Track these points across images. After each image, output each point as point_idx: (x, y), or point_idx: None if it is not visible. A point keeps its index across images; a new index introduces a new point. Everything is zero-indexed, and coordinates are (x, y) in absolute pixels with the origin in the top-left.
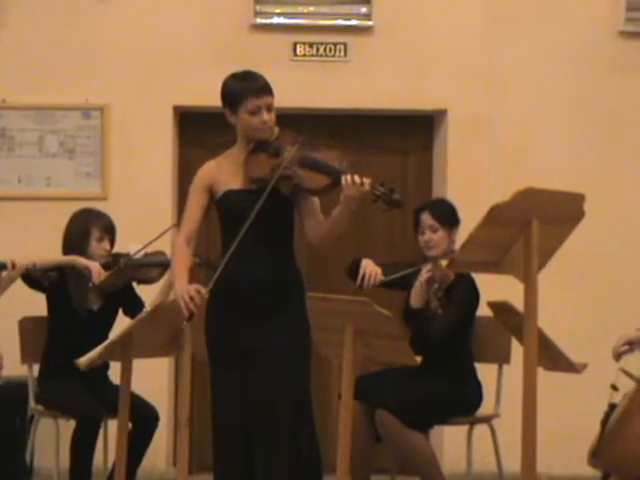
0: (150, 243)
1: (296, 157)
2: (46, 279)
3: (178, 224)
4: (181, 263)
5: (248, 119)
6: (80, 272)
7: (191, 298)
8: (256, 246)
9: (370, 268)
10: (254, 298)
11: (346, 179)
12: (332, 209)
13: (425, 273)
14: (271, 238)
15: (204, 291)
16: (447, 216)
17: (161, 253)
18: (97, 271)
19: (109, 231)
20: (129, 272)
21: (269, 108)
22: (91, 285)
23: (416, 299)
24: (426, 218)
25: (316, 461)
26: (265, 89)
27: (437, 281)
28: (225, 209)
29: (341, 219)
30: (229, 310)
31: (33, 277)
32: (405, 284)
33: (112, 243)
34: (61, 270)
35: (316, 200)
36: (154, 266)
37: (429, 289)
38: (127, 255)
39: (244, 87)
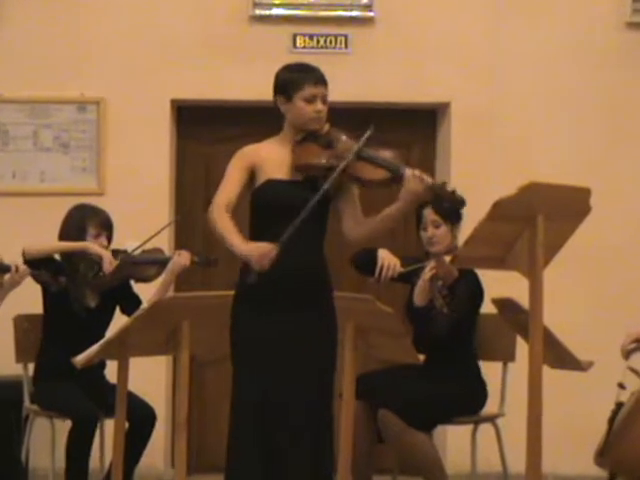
0: (148, 240)
1: (355, 149)
2: (55, 285)
3: (177, 220)
4: (229, 224)
5: (303, 107)
6: (80, 267)
7: (264, 259)
8: (296, 241)
9: (388, 259)
10: (291, 291)
11: (411, 172)
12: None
13: (429, 270)
14: (309, 231)
15: (275, 253)
16: (450, 211)
17: (159, 250)
18: (109, 260)
19: (106, 227)
20: (126, 270)
21: (324, 99)
22: (101, 274)
23: (420, 297)
24: (429, 213)
25: (330, 460)
26: (323, 79)
27: (441, 278)
28: (266, 199)
29: (395, 216)
30: (258, 306)
31: (41, 281)
32: (409, 277)
33: (109, 240)
34: (62, 268)
35: (357, 196)
36: (152, 264)
37: (433, 287)
38: (124, 252)
39: (303, 75)
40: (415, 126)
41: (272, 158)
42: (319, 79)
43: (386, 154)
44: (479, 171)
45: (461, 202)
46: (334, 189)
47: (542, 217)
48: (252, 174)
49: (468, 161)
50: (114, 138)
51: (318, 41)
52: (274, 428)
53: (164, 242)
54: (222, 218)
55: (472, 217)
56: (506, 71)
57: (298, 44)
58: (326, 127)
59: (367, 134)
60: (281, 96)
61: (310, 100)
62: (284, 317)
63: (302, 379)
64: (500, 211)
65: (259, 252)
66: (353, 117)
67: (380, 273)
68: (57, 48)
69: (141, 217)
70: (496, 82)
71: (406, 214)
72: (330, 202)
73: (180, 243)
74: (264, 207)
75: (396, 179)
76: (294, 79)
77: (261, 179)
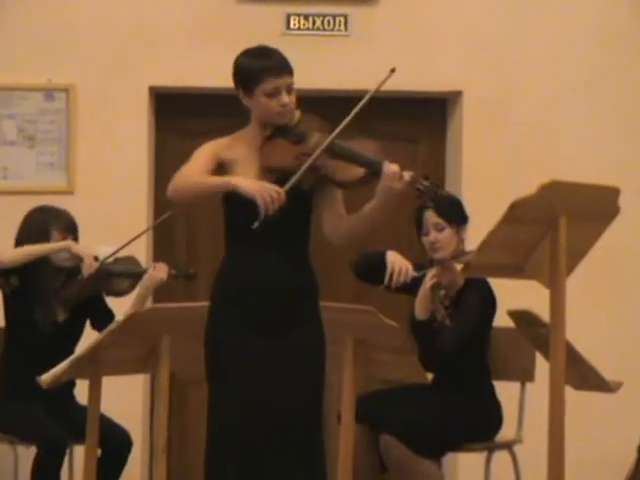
0: (124, 247)
1: (325, 144)
2: (7, 286)
3: (155, 226)
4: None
5: (265, 102)
6: (45, 277)
7: (273, 201)
8: (268, 246)
9: (399, 262)
10: (266, 306)
11: (388, 167)
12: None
13: (429, 279)
14: (285, 237)
15: (284, 196)
16: (453, 212)
17: (133, 260)
18: (89, 262)
19: (71, 230)
20: (97, 282)
21: (289, 89)
22: (79, 277)
23: (421, 309)
24: (430, 216)
25: None
26: (285, 67)
27: (444, 287)
28: (234, 204)
29: (373, 215)
30: (237, 320)
31: None
32: (414, 287)
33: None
34: (23, 275)
35: (339, 193)
36: (125, 276)
37: (434, 297)
38: (96, 259)
39: (261, 65)
40: (423, 118)
41: (241, 157)
42: (281, 68)
43: (363, 147)
44: (494, 168)
45: (448, 200)
46: (312, 189)
47: (565, 220)
48: (219, 168)
49: (482, 157)
50: (85, 130)
51: (314, 22)
52: (258, 454)
53: (141, 249)
54: (183, 177)
55: (487, 220)
56: (523, 57)
57: (292, 25)
58: (297, 115)
59: (341, 126)
60: (241, 90)
61: (273, 94)
62: (263, 333)
63: (285, 401)
64: (518, 213)
65: (262, 186)
66: (352, 107)
67: (391, 279)
68: (21, 29)
69: (116, 219)
70: (513, 69)
71: (388, 212)
72: (311, 204)
73: (160, 250)
74: (233, 211)
75: (374, 176)
76: (253, 71)
77: None
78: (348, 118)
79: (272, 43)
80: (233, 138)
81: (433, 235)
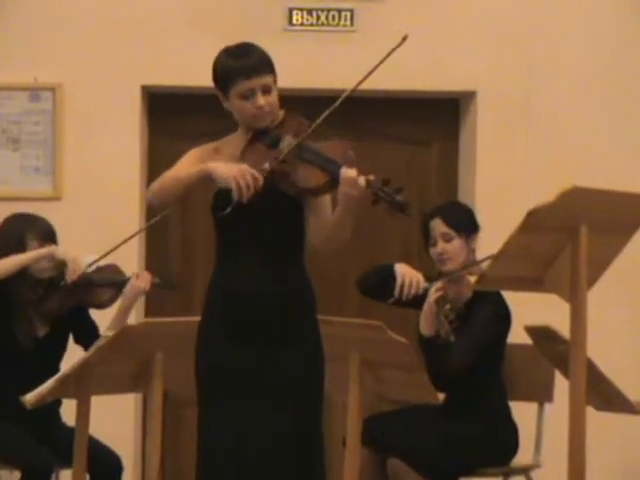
0: (109, 253)
1: (295, 148)
2: None
3: (148, 230)
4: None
5: (240, 104)
6: (22, 290)
7: (247, 185)
8: (257, 257)
9: (410, 274)
10: (256, 319)
11: (344, 173)
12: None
13: (434, 292)
14: (275, 247)
15: (261, 180)
16: (463, 221)
17: (115, 268)
18: (73, 268)
19: (49, 238)
20: (78, 293)
21: (266, 89)
22: (62, 284)
23: (425, 325)
24: (437, 225)
25: None
26: (257, 68)
27: (449, 301)
28: (217, 212)
29: (340, 223)
30: (226, 335)
31: None
32: (420, 302)
33: None
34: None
35: (325, 199)
36: (106, 287)
37: (439, 312)
38: None
39: (233, 66)
40: (434, 119)
41: (227, 160)
42: (253, 69)
43: (332, 149)
44: (510, 173)
45: (401, 207)
46: (297, 196)
47: (586, 229)
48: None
49: (497, 161)
50: (73, 132)
51: (318, 17)
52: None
53: (133, 256)
54: (161, 178)
55: (502, 229)
56: (543, 54)
57: (294, 21)
58: (280, 116)
59: (310, 128)
60: (219, 92)
61: (247, 96)
62: (252, 347)
63: (278, 423)
64: (536, 221)
65: (239, 170)
66: (358, 108)
67: (402, 291)
68: (4, 23)
69: (106, 228)
70: (531, 67)
71: (352, 217)
72: (302, 211)
73: (153, 257)
74: (219, 221)
75: (336, 182)
76: (226, 72)
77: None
78: (326, 113)
79: (273, 39)
80: (221, 142)
81: (441, 246)
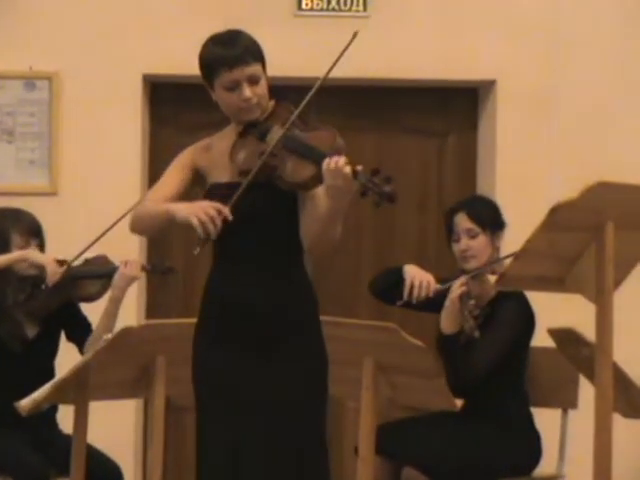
0: (93, 244)
1: (282, 140)
2: None
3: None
4: (152, 204)
5: (227, 96)
6: (8, 291)
7: (212, 220)
8: (251, 260)
9: (420, 276)
10: (251, 325)
11: (327, 164)
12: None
13: (457, 288)
14: (270, 249)
15: (226, 211)
16: (489, 217)
17: (103, 259)
18: (53, 269)
19: (34, 233)
20: (65, 288)
21: (253, 79)
22: (43, 287)
23: (447, 322)
24: (462, 221)
25: None
26: (241, 58)
27: (473, 297)
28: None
29: (327, 217)
30: (219, 341)
31: None
32: (438, 304)
33: (41, 248)
34: None
35: (318, 193)
36: (97, 278)
37: (463, 308)
38: (64, 262)
39: (215, 56)
40: (452, 110)
41: (219, 156)
42: (236, 58)
43: (319, 138)
44: (532, 167)
45: (389, 197)
46: (291, 191)
47: (612, 226)
48: (196, 177)
49: (518, 154)
50: (70, 123)
51: (329, 1)
52: None
53: (134, 251)
54: (148, 205)
55: (524, 226)
56: (565, 41)
57: (304, 5)
58: (270, 107)
59: (292, 116)
60: (205, 83)
61: (232, 87)
62: (249, 352)
63: (273, 437)
64: (559, 218)
65: (202, 217)
66: (372, 98)
67: (411, 293)
68: None
69: (104, 224)
70: (554, 54)
71: (340, 210)
72: (295, 206)
73: (154, 253)
74: None
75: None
76: (209, 63)
77: (207, 183)
78: (299, 109)
79: (282, 25)
80: (214, 138)
81: (464, 242)
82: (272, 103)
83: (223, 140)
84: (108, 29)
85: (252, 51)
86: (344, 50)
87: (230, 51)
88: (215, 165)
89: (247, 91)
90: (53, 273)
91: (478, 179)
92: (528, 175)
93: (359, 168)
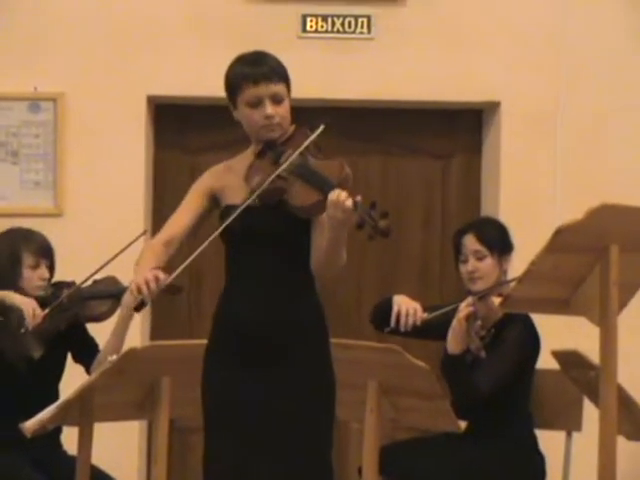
0: (103, 266)
1: (294, 164)
2: None
3: (148, 233)
4: (147, 259)
5: (248, 113)
6: (13, 314)
7: (146, 282)
8: (260, 281)
9: (406, 304)
10: (259, 345)
11: (331, 195)
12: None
13: (464, 308)
14: (281, 271)
15: (163, 277)
16: (497, 240)
17: (112, 279)
18: (31, 311)
19: (45, 254)
20: (74, 308)
21: (276, 99)
22: (23, 331)
23: (454, 342)
24: (470, 242)
25: None
26: (268, 75)
27: (480, 318)
28: (223, 230)
29: (329, 246)
30: (227, 362)
31: None
32: (443, 331)
33: (51, 270)
34: None
35: (324, 219)
36: (105, 298)
37: (469, 329)
38: (72, 284)
39: (242, 72)
40: (456, 131)
41: (236, 178)
42: (262, 75)
43: (328, 167)
44: (536, 189)
45: (382, 232)
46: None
47: (616, 248)
48: (212, 201)
49: (522, 176)
50: (75, 145)
51: (333, 23)
52: None
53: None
54: (150, 248)
55: (528, 248)
56: (570, 63)
57: (308, 27)
58: (291, 130)
59: (305, 143)
60: (229, 100)
61: (255, 104)
62: (258, 377)
63: (284, 454)
64: (564, 240)
65: (139, 281)
66: (376, 120)
67: (398, 321)
68: (2, 30)
69: (109, 245)
70: (558, 75)
71: (340, 240)
72: (308, 229)
73: None
74: (225, 237)
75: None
76: (233, 79)
77: (222, 205)
78: (309, 139)
79: (286, 47)
80: (235, 160)
81: (472, 264)
82: (292, 127)
83: (242, 161)
84: (113, 51)
85: (278, 71)
86: (304, 146)
87: (256, 69)
88: (231, 186)
89: (269, 108)
90: (32, 317)
91: (482, 200)
92: (532, 196)
93: (358, 199)
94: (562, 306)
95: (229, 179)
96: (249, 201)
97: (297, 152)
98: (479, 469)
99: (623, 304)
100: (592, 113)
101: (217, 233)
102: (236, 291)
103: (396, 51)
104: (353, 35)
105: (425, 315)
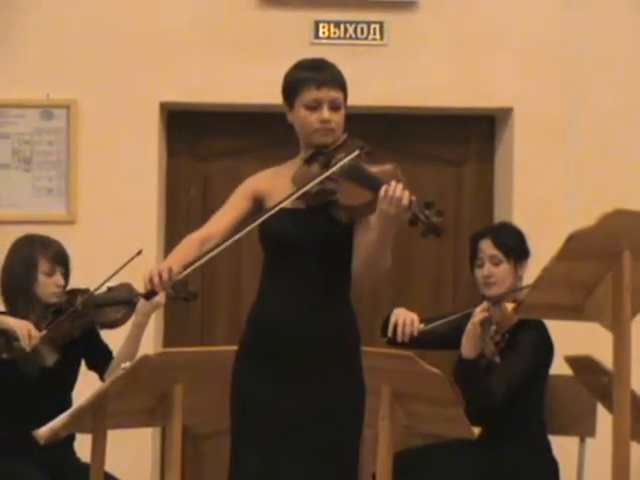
0: (117, 272)
1: (345, 167)
2: (7, 352)
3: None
4: (178, 252)
5: (304, 115)
6: (31, 316)
7: (159, 273)
8: (299, 281)
9: (403, 315)
10: (294, 350)
11: (385, 190)
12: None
13: (479, 313)
14: (319, 272)
15: (177, 269)
16: (514, 245)
17: (127, 286)
18: (27, 334)
19: (61, 261)
20: (88, 314)
21: (334, 105)
22: (16, 356)
23: (468, 346)
24: (487, 247)
25: None
26: (330, 80)
27: (495, 323)
28: (264, 231)
29: (374, 244)
30: (260, 366)
31: None
32: (457, 340)
33: (66, 277)
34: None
35: (369, 223)
36: (119, 304)
37: (484, 333)
38: (86, 291)
39: (304, 75)
40: (468, 137)
41: (284, 184)
42: (325, 80)
43: (382, 169)
44: (549, 195)
45: (435, 229)
46: (350, 222)
47: (629, 254)
48: (257, 204)
49: (535, 182)
50: (88, 152)
51: (346, 30)
52: None
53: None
54: (175, 249)
55: (541, 254)
56: (584, 67)
57: (321, 34)
58: (342, 138)
59: (356, 152)
60: (285, 102)
61: (313, 107)
62: (290, 385)
63: (313, 463)
64: (577, 246)
65: (152, 272)
66: (389, 126)
67: (395, 331)
68: (16, 38)
69: (122, 252)
70: (571, 81)
71: (387, 239)
72: (348, 236)
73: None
74: (265, 241)
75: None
76: (294, 81)
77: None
78: (342, 161)
79: (298, 55)
80: (284, 165)
81: (487, 268)
82: (344, 136)
83: (291, 167)
84: (126, 57)
85: (339, 79)
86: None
87: (320, 73)
88: (276, 190)
89: (327, 113)
90: (28, 338)
91: (495, 206)
92: (545, 203)
93: (414, 199)
94: (575, 312)
95: (276, 183)
96: (294, 196)
97: (350, 156)
98: (493, 475)
99: (636, 310)
100: (605, 119)
101: (248, 229)
102: (274, 295)
103: (409, 57)
104: (366, 41)
105: (422, 326)
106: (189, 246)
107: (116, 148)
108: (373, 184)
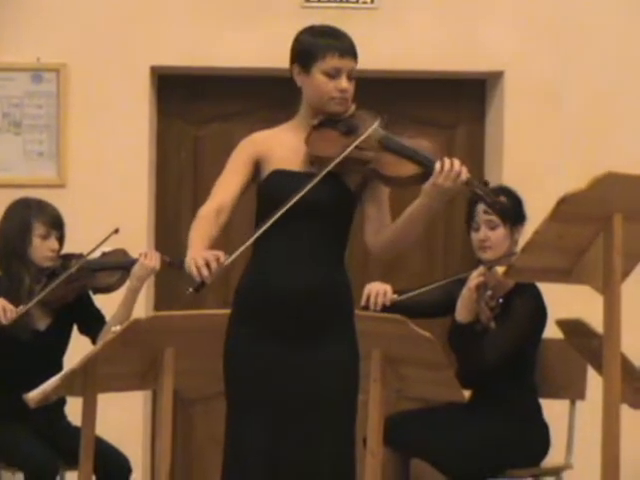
0: (105, 240)
1: (377, 136)
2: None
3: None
4: (201, 230)
5: (322, 82)
6: (25, 279)
7: (207, 263)
8: (299, 245)
9: (377, 287)
10: (291, 314)
11: (441, 163)
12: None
13: (475, 278)
14: (321, 237)
15: (224, 257)
16: (511, 210)
17: (122, 252)
18: (1, 310)
19: (56, 225)
20: (82, 279)
21: (350, 76)
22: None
23: (463, 311)
24: (483, 210)
25: None
26: (351, 51)
27: (490, 288)
28: (268, 193)
29: (418, 218)
30: (256, 331)
31: None
32: (414, 312)
33: (61, 241)
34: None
35: (386, 199)
36: (114, 269)
37: (480, 298)
38: (80, 256)
39: (326, 42)
40: (459, 102)
41: (284, 146)
42: (347, 50)
43: (419, 143)
44: (540, 158)
45: (502, 207)
46: (357, 189)
47: (620, 217)
48: (256, 168)
49: (526, 145)
50: (78, 115)
51: None
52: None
53: (141, 247)
54: (202, 220)
55: (532, 217)
56: (575, 31)
57: None
58: (352, 109)
59: (384, 117)
60: (298, 65)
61: (332, 75)
62: (287, 347)
63: (311, 426)
64: (567, 210)
65: (199, 262)
66: (379, 90)
67: (368, 300)
68: (5, 1)
69: (112, 216)
70: (563, 45)
71: (434, 213)
72: (355, 207)
73: (162, 248)
74: (268, 203)
75: (427, 176)
76: (315, 45)
77: (268, 170)
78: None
79: (288, 18)
80: (276, 129)
81: (484, 232)
82: (353, 106)
83: (287, 132)
84: (116, 21)
85: (355, 50)
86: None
87: (342, 42)
88: (278, 152)
89: (345, 82)
90: (2, 313)
91: (486, 171)
92: (536, 166)
93: (469, 175)
94: (566, 275)
95: (276, 146)
96: (330, 167)
97: (375, 124)
98: (484, 439)
99: (626, 273)
100: (596, 82)
101: (290, 204)
102: (272, 260)
103: (399, 21)
104: (356, 5)
105: (395, 297)
106: (207, 220)
107: (106, 112)
108: (419, 157)
